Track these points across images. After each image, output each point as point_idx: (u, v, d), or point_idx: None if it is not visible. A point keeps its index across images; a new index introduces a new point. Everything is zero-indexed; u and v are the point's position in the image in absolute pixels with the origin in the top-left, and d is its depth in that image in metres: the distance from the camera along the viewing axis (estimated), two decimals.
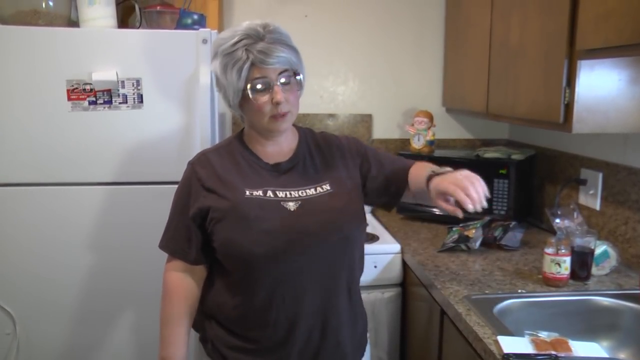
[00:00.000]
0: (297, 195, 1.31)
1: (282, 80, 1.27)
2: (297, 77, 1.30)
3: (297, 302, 1.28)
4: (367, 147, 1.49)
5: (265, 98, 1.27)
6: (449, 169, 1.34)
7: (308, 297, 1.29)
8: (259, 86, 1.26)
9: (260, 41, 1.25)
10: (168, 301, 1.36)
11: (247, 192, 1.29)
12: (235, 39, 1.25)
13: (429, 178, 1.32)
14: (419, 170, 1.42)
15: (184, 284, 1.36)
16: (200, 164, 1.36)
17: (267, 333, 1.29)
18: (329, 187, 1.35)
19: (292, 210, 1.29)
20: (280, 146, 1.38)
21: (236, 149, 1.38)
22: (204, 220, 1.31)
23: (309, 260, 1.28)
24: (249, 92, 1.26)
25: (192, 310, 1.37)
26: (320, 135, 1.47)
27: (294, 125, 1.43)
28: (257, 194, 1.29)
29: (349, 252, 1.34)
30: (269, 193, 1.30)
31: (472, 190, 1.22)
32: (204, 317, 1.39)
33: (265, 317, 1.29)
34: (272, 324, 1.28)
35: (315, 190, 1.33)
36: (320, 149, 1.42)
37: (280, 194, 1.30)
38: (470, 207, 1.21)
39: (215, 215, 1.29)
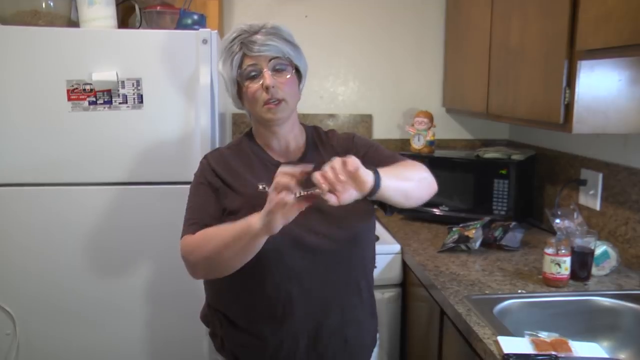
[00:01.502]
0: (305, 194, 1.30)
1: (273, 66, 1.29)
2: (290, 67, 1.31)
3: (305, 298, 1.29)
4: (371, 143, 1.45)
5: (256, 85, 1.29)
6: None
7: (315, 294, 1.29)
8: (250, 74, 1.29)
9: (256, 34, 1.29)
10: (206, 234, 1.24)
11: (261, 187, 1.30)
12: (234, 35, 1.30)
13: None
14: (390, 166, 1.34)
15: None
16: (214, 159, 1.38)
17: (274, 328, 1.30)
18: None
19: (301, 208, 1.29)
20: (287, 142, 1.38)
21: (247, 146, 1.40)
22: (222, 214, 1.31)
23: (316, 258, 1.28)
24: (240, 79, 1.30)
25: None
26: (328, 133, 1.47)
27: (301, 123, 1.43)
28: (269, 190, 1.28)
29: (358, 251, 1.35)
30: None
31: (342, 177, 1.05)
32: (213, 313, 1.40)
33: (272, 313, 1.29)
34: (279, 319, 1.29)
35: None
36: (327, 147, 1.42)
37: None
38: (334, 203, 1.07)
39: (231, 209, 1.30)
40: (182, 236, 1.31)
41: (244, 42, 1.28)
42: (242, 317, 1.33)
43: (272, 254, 1.25)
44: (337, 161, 1.04)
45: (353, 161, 1.04)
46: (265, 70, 1.28)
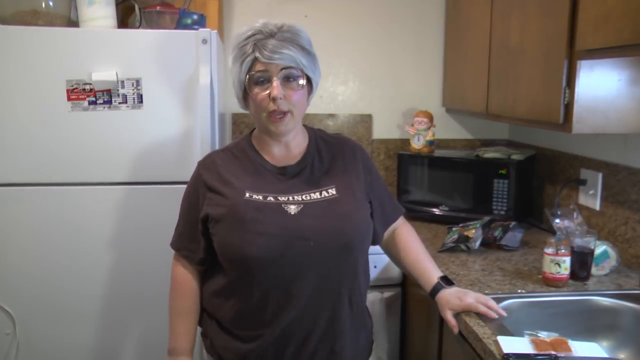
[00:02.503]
0: (299, 199, 1.29)
1: (284, 76, 1.25)
2: (302, 78, 1.27)
3: (293, 306, 1.26)
4: (374, 167, 1.48)
5: (264, 93, 1.25)
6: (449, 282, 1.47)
7: (304, 302, 1.27)
8: (258, 79, 1.25)
9: (271, 38, 1.24)
10: (178, 295, 1.41)
11: (247, 194, 1.28)
12: (248, 34, 1.25)
13: (438, 287, 1.44)
14: (418, 250, 1.52)
15: (190, 280, 1.40)
16: (205, 166, 1.37)
17: (262, 335, 1.28)
18: (334, 192, 1.33)
19: (292, 213, 1.27)
20: (288, 148, 1.36)
21: (244, 150, 1.37)
22: (207, 221, 1.32)
23: (306, 265, 1.25)
24: (248, 84, 1.26)
25: (198, 306, 1.41)
26: (333, 136, 1.45)
27: (304, 125, 1.41)
28: (257, 197, 1.28)
29: (350, 260, 1.32)
30: (270, 198, 1.29)
31: (490, 303, 1.40)
32: (205, 314, 1.40)
33: (260, 320, 1.28)
34: (266, 326, 1.28)
35: (320, 194, 1.32)
36: (331, 151, 1.40)
37: (282, 198, 1.29)
38: (495, 316, 1.37)
39: (215, 216, 1.29)
40: (170, 245, 1.42)
41: (258, 44, 1.23)
42: (230, 320, 1.32)
43: (262, 260, 1.24)
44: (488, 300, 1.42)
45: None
46: (274, 79, 1.23)
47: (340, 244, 1.28)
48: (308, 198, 1.30)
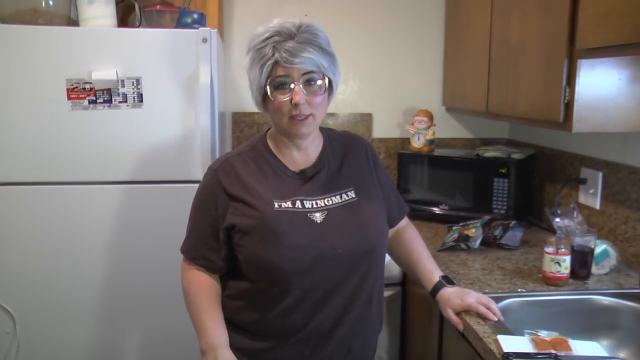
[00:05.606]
0: (322, 204, 1.29)
1: (305, 81, 1.22)
2: (323, 81, 1.25)
3: (319, 312, 1.27)
4: (382, 165, 1.48)
5: (284, 97, 1.22)
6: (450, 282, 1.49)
7: (328, 306, 1.27)
8: (279, 84, 1.22)
9: (290, 40, 1.21)
10: (196, 292, 1.34)
11: (276, 205, 1.26)
12: (266, 35, 1.22)
13: (439, 286, 1.44)
14: (420, 250, 1.52)
15: (206, 279, 1.35)
16: (223, 171, 1.31)
17: (282, 339, 1.29)
18: (354, 195, 1.33)
19: (318, 222, 1.27)
20: (307, 152, 1.34)
21: (261, 154, 1.34)
22: (231, 231, 1.29)
23: (334, 272, 1.26)
24: (269, 89, 1.23)
25: (220, 300, 1.35)
26: (341, 134, 1.45)
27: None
28: (286, 205, 1.27)
29: (373, 264, 1.33)
30: (298, 204, 1.27)
31: (492, 305, 1.39)
32: None
33: (283, 325, 1.28)
34: (289, 331, 1.28)
35: (340, 197, 1.32)
36: (342, 150, 1.40)
37: (307, 204, 1.28)
38: (495, 318, 1.36)
39: (243, 227, 1.26)
40: (182, 253, 1.38)
41: (277, 47, 1.19)
42: (248, 323, 1.32)
43: (293, 272, 1.24)
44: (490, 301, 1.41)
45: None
46: (296, 84, 1.21)
47: (365, 250, 1.30)
48: (330, 203, 1.30)
